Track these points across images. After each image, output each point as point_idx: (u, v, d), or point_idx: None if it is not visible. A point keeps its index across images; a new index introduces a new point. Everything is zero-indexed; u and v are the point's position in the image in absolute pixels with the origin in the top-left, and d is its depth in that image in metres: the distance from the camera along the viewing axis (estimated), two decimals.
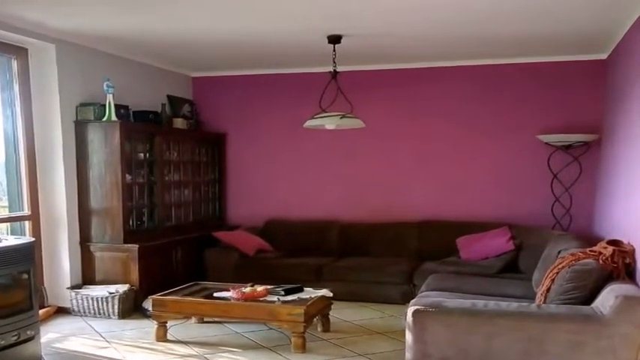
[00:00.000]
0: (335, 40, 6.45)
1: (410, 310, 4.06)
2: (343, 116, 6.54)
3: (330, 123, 6.66)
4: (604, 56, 7.28)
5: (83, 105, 6.73)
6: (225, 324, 6.17)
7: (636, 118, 5.19)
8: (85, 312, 6.53)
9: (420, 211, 8.03)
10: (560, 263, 4.50)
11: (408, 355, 4.05)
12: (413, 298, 4.66)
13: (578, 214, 7.45)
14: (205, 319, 6.21)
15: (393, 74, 8.08)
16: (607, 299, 3.85)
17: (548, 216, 7.51)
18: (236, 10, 5.41)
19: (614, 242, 4.69)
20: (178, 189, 7.90)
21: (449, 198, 8.01)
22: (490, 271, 6.64)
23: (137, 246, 6.67)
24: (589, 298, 4.14)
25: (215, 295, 5.76)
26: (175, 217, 7.80)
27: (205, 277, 7.43)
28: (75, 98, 6.71)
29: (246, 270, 7.41)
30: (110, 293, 6.45)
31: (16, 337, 4.90)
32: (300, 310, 5.25)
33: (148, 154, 7.31)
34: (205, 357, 5.28)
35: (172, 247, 7.34)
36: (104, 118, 6.67)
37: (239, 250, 7.65)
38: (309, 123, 6.71)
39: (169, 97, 8.25)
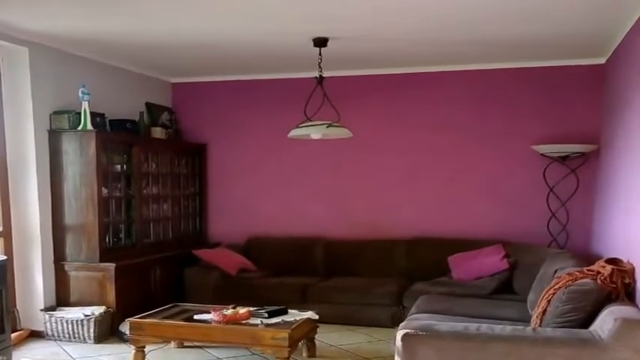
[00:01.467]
0: (321, 43, 6.39)
1: (399, 333, 4.04)
2: (329, 125, 6.48)
3: (315, 132, 6.60)
4: (602, 60, 7.24)
5: (57, 113, 6.68)
6: (206, 349, 6.13)
7: (637, 127, 5.14)
8: (59, 336, 6.48)
9: (410, 228, 8.00)
10: (557, 283, 4.51)
11: None
12: (402, 321, 4.66)
13: (575, 230, 7.44)
14: (185, 344, 6.17)
15: (382, 80, 8.06)
16: (605, 322, 3.85)
17: (543, 232, 7.48)
18: (217, 10, 5.38)
19: (612, 261, 4.70)
20: (157, 203, 7.85)
21: (440, 213, 7.99)
22: (483, 291, 6.65)
23: (114, 265, 6.63)
24: (587, 321, 4.14)
25: (195, 317, 5.72)
26: (154, 233, 7.75)
27: (185, 297, 7.40)
28: (49, 105, 6.66)
29: (227, 290, 7.40)
30: (86, 316, 6.40)
31: None
32: (285, 334, 5.21)
33: (125, 166, 7.27)
34: None
35: (151, 266, 7.30)
36: (79, 127, 6.62)
37: (220, 269, 7.62)
38: (294, 132, 6.64)
39: (148, 105, 8.21)
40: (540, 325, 4.35)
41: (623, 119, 5.86)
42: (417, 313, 5.63)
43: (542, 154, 7.38)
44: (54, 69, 6.72)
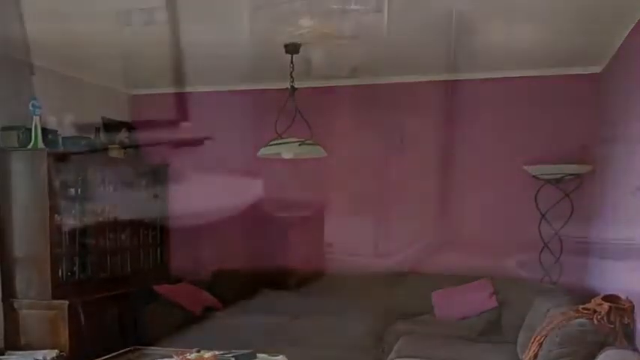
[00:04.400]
0: (293, 49, 6.34)
1: None
2: (302, 143, 6.43)
3: (286, 152, 6.55)
4: (597, 69, 7.14)
5: (5, 129, 6.61)
6: None
7: (637, 144, 5.09)
8: None
9: (390, 259, 7.92)
10: (549, 324, 4.55)
11: None
12: None
13: (569, 263, 7.35)
14: None
15: (359, 91, 7.99)
16: None
17: (535, 265, 7.42)
18: (180, 10, 5.35)
19: (610, 298, 4.72)
20: (114, 232, 7.77)
21: (423, 243, 7.88)
22: (469, 332, 6.62)
23: (67, 302, 6.55)
24: None
25: None
26: (111, 266, 7.66)
27: (146, 338, 7.26)
28: None
29: (191, 331, 7.30)
30: None
31: None
32: None
33: (79, 190, 7.20)
34: None
35: (108, 303, 7.20)
36: (30, 145, 6.55)
37: (183, 307, 7.58)
38: (264, 151, 6.59)
39: (104, 120, 8.14)
40: None
41: (620, 136, 5.79)
42: (397, 357, 5.65)
43: (534, 176, 7.27)
44: (2, 78, 6.63)
